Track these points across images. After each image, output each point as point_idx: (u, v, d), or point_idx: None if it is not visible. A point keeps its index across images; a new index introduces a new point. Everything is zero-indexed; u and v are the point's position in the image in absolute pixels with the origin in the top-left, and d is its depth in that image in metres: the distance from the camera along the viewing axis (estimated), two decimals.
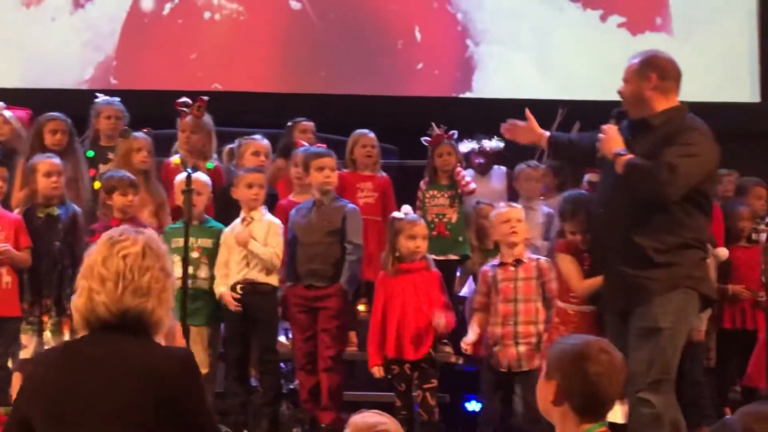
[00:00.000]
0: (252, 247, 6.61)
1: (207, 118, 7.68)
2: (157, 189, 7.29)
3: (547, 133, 6.00)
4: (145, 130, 7.44)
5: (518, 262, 6.43)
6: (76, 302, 3.18)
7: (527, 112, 5.98)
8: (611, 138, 5.47)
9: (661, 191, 5.26)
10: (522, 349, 6.31)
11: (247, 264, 6.65)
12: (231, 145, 7.74)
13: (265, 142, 7.64)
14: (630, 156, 5.34)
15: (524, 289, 6.40)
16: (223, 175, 7.54)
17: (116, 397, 3.02)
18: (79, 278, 3.20)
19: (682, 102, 5.58)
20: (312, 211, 6.68)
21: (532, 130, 5.99)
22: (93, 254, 3.19)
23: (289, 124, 8.13)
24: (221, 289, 6.68)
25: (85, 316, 3.16)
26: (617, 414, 6.35)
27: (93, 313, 3.14)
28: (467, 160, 7.89)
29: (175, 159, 7.58)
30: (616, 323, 5.57)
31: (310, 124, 8.16)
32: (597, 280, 5.96)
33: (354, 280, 6.76)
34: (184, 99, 7.68)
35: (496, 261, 6.55)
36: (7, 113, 7.97)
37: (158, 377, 3.04)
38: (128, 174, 6.91)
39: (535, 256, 6.56)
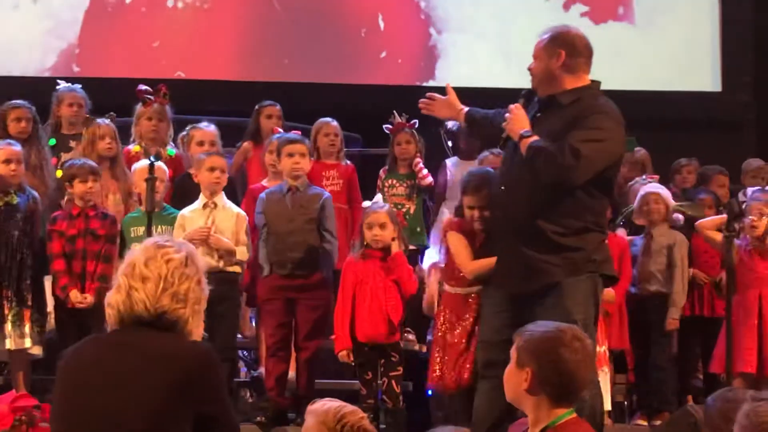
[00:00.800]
0: (222, 245, 6.55)
1: (167, 106, 7.68)
2: (123, 176, 7.23)
3: (466, 109, 5.85)
4: (108, 116, 7.41)
5: None
6: (113, 298, 3.21)
7: (447, 86, 5.88)
8: (517, 118, 5.33)
9: (564, 176, 5.15)
10: None
11: (209, 252, 6.57)
12: (183, 133, 7.70)
13: (211, 128, 7.55)
14: (534, 138, 5.22)
15: None
16: (182, 162, 7.53)
17: (135, 377, 3.07)
18: (119, 275, 3.24)
19: (593, 81, 5.48)
20: (286, 197, 6.60)
21: (451, 105, 5.86)
22: (136, 254, 3.24)
23: (256, 107, 8.13)
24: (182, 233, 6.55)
25: (121, 312, 3.20)
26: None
27: (131, 310, 3.18)
28: (453, 146, 7.86)
29: (135, 147, 7.53)
30: (501, 301, 5.46)
31: (276, 109, 8.14)
32: (487, 261, 5.74)
33: (332, 270, 6.76)
34: (144, 87, 7.65)
35: None
36: None
37: (178, 364, 3.09)
38: (89, 162, 6.86)
39: None
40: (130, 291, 3.17)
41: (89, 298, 6.55)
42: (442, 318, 6.14)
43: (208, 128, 7.55)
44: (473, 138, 7.28)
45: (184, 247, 3.30)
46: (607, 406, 6.72)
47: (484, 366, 5.53)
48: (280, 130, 7.54)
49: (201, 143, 7.40)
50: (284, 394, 6.63)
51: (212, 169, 6.63)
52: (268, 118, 8.02)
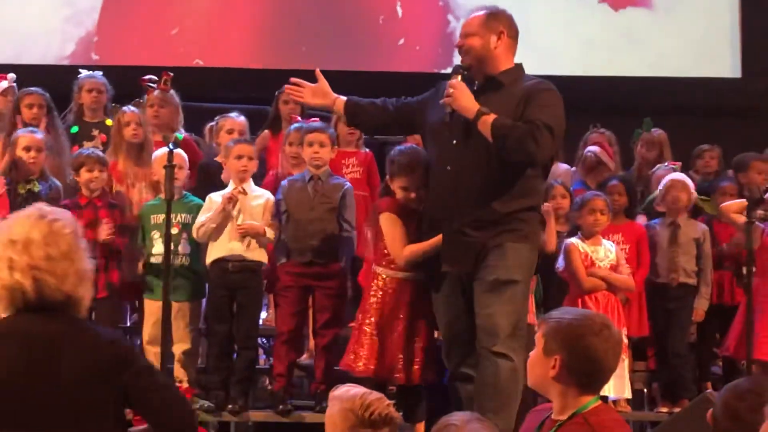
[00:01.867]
0: (268, 234, 6.57)
1: (173, 93, 7.69)
2: (150, 164, 7.24)
3: (342, 98, 5.65)
4: (134, 103, 7.43)
5: None
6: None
7: (317, 71, 5.64)
8: (463, 93, 5.14)
9: (539, 154, 5.06)
10: None
11: (239, 239, 6.58)
12: (211, 123, 7.72)
13: (241, 119, 7.60)
14: (494, 116, 5.05)
15: None
16: (194, 145, 7.56)
17: (62, 375, 3.02)
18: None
19: (516, 64, 5.39)
20: (308, 186, 6.59)
21: (324, 94, 5.65)
22: (20, 229, 3.15)
23: (276, 93, 8.14)
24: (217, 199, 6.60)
25: (9, 291, 3.12)
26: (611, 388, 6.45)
27: (20, 290, 3.09)
28: None
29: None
30: (452, 287, 5.35)
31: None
32: (422, 247, 5.52)
33: (350, 259, 6.80)
34: (149, 76, 7.67)
35: None
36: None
37: (109, 356, 3.07)
38: (96, 150, 6.87)
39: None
40: (35, 272, 3.10)
41: (106, 230, 6.58)
42: (375, 302, 5.86)
43: (238, 118, 7.59)
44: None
45: (69, 217, 3.27)
46: (626, 393, 6.72)
47: (458, 365, 5.46)
48: (299, 118, 7.54)
49: (231, 131, 7.41)
50: (291, 382, 6.65)
51: (239, 157, 6.63)
52: (285, 103, 8.05)
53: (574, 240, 6.87)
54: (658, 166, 7.82)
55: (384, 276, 5.85)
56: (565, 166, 8.21)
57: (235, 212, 6.57)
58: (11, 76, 7.95)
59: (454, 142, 5.22)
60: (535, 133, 5.00)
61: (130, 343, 3.22)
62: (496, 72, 5.29)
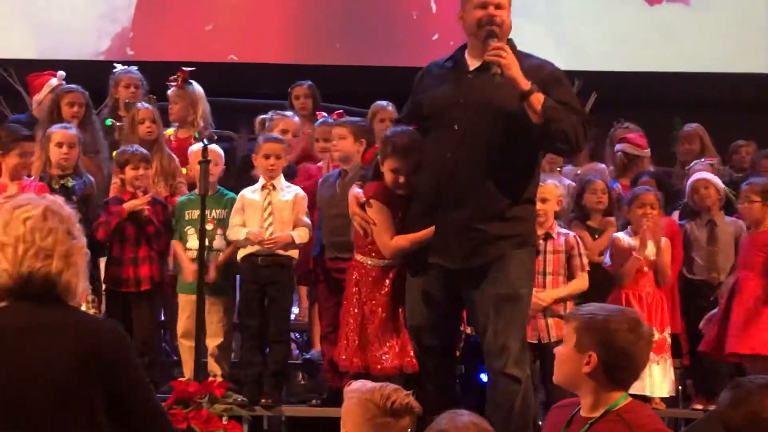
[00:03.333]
0: (279, 243, 6.55)
1: (192, 88, 7.71)
2: (167, 158, 7.30)
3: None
4: (147, 99, 7.48)
5: (547, 235, 6.43)
6: None
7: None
8: (515, 61, 4.79)
9: (581, 146, 4.95)
10: (551, 321, 6.34)
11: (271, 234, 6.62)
12: (264, 116, 7.72)
13: (296, 119, 7.56)
14: (543, 94, 4.76)
15: (553, 262, 6.42)
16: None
17: (48, 370, 2.92)
18: None
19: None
20: (337, 181, 6.61)
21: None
22: None
23: (289, 89, 8.17)
24: (242, 232, 6.59)
25: None
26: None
27: None
28: None
29: (168, 131, 7.61)
30: (435, 279, 5.05)
31: (302, 89, 8.20)
32: (411, 237, 5.15)
33: None
34: (175, 75, 7.73)
35: None
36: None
37: (90, 348, 2.94)
38: (140, 148, 6.90)
39: (564, 231, 6.61)
40: None
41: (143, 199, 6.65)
42: (356, 291, 5.68)
43: (293, 118, 7.56)
44: None
45: (43, 200, 3.07)
46: (663, 392, 6.68)
47: (425, 354, 5.23)
48: (324, 114, 7.60)
49: (285, 132, 7.40)
50: (338, 374, 6.65)
51: (267, 156, 6.65)
52: (296, 98, 8.09)
53: (619, 234, 6.87)
54: (695, 162, 7.78)
55: (367, 264, 5.64)
56: (602, 166, 8.21)
57: (265, 205, 6.59)
58: (61, 73, 8.01)
59: (456, 127, 4.93)
60: (585, 125, 4.86)
61: (122, 337, 3.05)
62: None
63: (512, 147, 4.89)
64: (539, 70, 4.95)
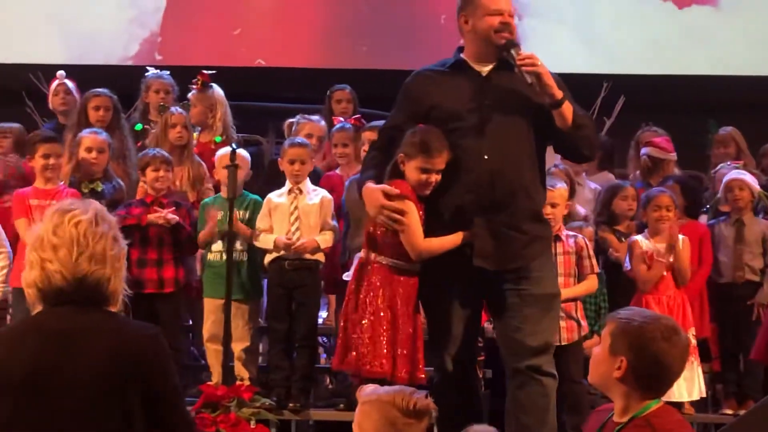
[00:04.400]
0: (306, 248, 6.57)
1: (212, 92, 7.73)
2: (194, 163, 7.32)
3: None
4: (182, 104, 7.50)
5: (556, 237, 6.42)
6: (29, 276, 3.05)
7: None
8: (548, 71, 4.82)
9: (597, 152, 5.05)
10: (563, 323, 6.31)
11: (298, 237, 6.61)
12: (292, 120, 7.73)
13: (322, 123, 7.62)
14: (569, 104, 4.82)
15: (564, 263, 6.40)
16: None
17: (86, 373, 2.94)
18: (29, 252, 3.07)
19: None
20: None
21: None
22: (42, 226, 3.06)
23: (327, 93, 8.16)
24: (270, 238, 6.62)
25: (40, 289, 3.04)
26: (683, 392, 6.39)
27: (49, 284, 3.02)
28: None
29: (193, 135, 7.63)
30: (466, 284, 4.93)
31: (345, 93, 8.23)
32: (443, 242, 4.92)
33: None
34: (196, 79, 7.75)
35: None
36: (69, 83, 8.06)
37: (129, 353, 2.97)
38: (162, 151, 6.93)
39: (572, 233, 6.56)
40: (44, 264, 3.01)
41: (169, 216, 6.62)
42: (368, 293, 5.13)
43: (319, 122, 7.61)
44: None
45: (91, 205, 3.11)
46: (691, 396, 6.63)
47: (454, 362, 5.02)
48: (341, 119, 7.60)
49: (310, 136, 7.41)
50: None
51: (292, 162, 6.66)
52: (337, 102, 8.08)
53: (637, 237, 6.83)
54: (720, 165, 7.75)
55: (387, 266, 5.08)
56: (611, 176, 8.19)
57: (291, 209, 6.59)
58: (60, 73, 8.07)
59: (485, 131, 4.86)
60: (594, 128, 4.95)
61: (161, 344, 3.06)
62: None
63: (534, 148, 4.95)
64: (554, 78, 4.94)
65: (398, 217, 4.85)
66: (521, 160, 4.89)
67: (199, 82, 7.66)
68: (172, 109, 7.43)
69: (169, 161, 6.86)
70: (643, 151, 7.96)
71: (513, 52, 4.85)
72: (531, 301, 4.89)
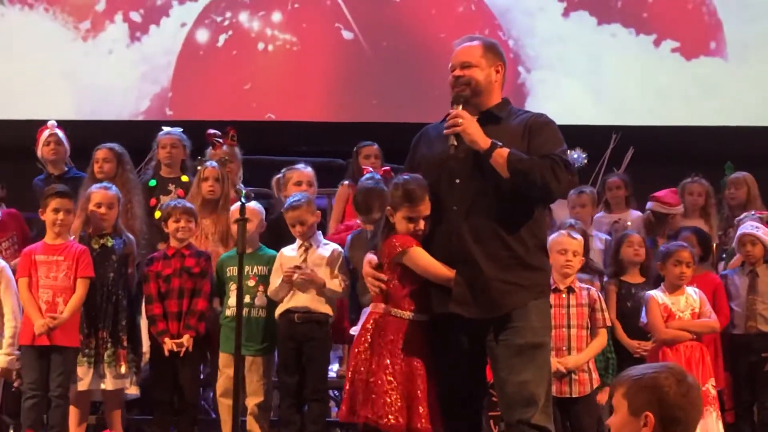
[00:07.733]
0: (329, 285, 6.59)
1: (237, 148, 7.81)
2: (223, 217, 7.31)
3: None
4: (219, 160, 7.50)
5: (570, 289, 6.41)
6: None
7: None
8: (473, 124, 4.83)
9: (559, 190, 4.81)
10: (575, 376, 6.29)
11: (306, 291, 6.60)
12: (278, 176, 7.77)
13: (308, 170, 7.65)
14: (508, 149, 4.74)
15: (577, 315, 6.39)
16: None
17: None
18: None
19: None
20: (368, 237, 6.57)
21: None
22: None
23: (355, 149, 8.21)
24: (277, 281, 6.63)
25: None
26: None
27: None
28: None
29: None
30: (455, 333, 4.91)
31: (373, 149, 8.29)
32: (438, 266, 4.91)
33: None
34: (213, 131, 7.76)
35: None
36: (60, 133, 8.06)
37: None
38: (184, 202, 6.97)
39: (585, 286, 6.56)
40: None
41: (185, 344, 6.62)
42: (392, 348, 5.05)
43: (305, 169, 7.63)
44: None
45: None
46: None
47: (463, 410, 5.01)
48: (370, 169, 7.59)
49: (298, 183, 7.45)
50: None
51: (293, 225, 6.68)
52: (366, 158, 8.11)
53: (654, 292, 6.78)
54: (744, 214, 7.72)
55: (406, 317, 5.03)
56: (637, 212, 8.18)
57: (300, 261, 6.60)
58: (51, 123, 8.08)
59: (457, 181, 4.88)
60: (555, 168, 4.75)
61: None
62: (488, 106, 5.03)
63: (512, 194, 4.83)
64: (525, 118, 4.96)
65: (379, 284, 5.03)
66: (494, 211, 4.82)
67: (234, 137, 7.70)
68: (207, 162, 7.45)
69: (192, 212, 6.88)
70: (648, 205, 7.98)
71: (454, 108, 4.91)
72: (514, 351, 4.81)
